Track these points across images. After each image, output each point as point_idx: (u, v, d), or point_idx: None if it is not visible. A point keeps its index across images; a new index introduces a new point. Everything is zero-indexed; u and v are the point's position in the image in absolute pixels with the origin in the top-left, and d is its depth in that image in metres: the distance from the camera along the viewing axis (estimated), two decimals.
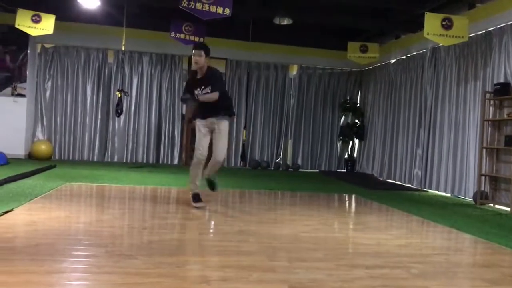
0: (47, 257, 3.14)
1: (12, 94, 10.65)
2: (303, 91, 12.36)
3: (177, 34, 9.89)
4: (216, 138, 5.36)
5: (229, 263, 3.23)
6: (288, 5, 9.38)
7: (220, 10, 7.38)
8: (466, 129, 8.07)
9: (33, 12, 9.15)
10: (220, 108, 5.32)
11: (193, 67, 5.39)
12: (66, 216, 4.62)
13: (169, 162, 11.68)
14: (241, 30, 11.05)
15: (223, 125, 5.34)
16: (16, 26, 9.14)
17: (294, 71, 12.50)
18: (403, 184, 9.86)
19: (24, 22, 9.14)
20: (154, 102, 11.64)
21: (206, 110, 5.34)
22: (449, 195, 8.39)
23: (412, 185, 9.52)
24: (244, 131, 12.06)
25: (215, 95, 5.20)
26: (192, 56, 5.25)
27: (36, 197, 5.42)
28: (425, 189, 9.06)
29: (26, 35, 9.74)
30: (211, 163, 5.41)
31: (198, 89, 5.28)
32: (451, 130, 8.48)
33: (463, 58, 8.32)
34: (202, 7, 7.30)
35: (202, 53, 5.21)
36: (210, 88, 5.23)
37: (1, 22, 10.42)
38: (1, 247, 3.32)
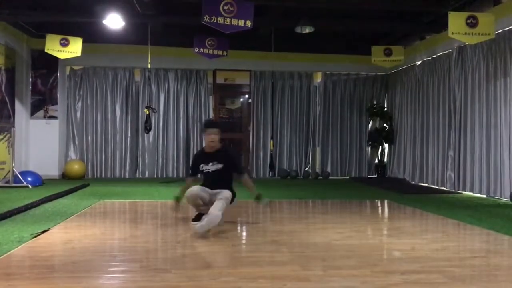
0: (84, 274, 3.21)
1: (45, 117, 10.96)
2: (328, 98, 12.29)
3: (201, 49, 10.01)
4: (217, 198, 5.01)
5: (262, 273, 3.23)
6: (309, 13, 9.39)
7: (241, 22, 7.43)
8: (498, 128, 7.87)
9: (61, 36, 9.45)
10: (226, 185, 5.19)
11: (207, 146, 5.22)
12: (101, 233, 4.71)
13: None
14: (263, 41, 11.10)
15: (226, 192, 5.06)
16: (46, 50, 9.45)
17: (318, 78, 12.46)
18: (436, 187, 9.65)
19: (53, 46, 9.44)
20: (181, 117, 11.78)
21: (214, 184, 5.25)
22: (484, 196, 8.17)
23: (446, 188, 9.31)
24: (271, 141, 12.04)
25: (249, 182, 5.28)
26: (207, 135, 5.07)
27: (71, 216, 5.54)
28: (459, 191, 8.85)
29: (55, 59, 10.03)
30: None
31: (208, 163, 5.21)
32: (483, 130, 8.28)
33: (491, 56, 8.14)
34: (224, 21, 7.37)
35: (217, 131, 5.09)
36: (222, 165, 5.14)
37: (32, 47, 10.80)
38: (40, 266, 3.41)
